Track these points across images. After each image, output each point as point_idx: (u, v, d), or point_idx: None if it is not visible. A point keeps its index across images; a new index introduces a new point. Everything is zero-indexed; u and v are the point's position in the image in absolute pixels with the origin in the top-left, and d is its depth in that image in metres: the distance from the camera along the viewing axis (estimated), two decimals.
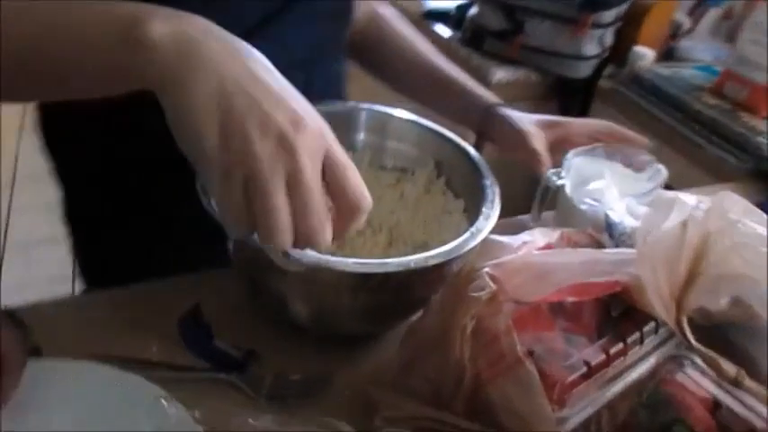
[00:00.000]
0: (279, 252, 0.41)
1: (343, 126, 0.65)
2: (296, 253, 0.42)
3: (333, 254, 0.62)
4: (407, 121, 0.67)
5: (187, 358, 0.52)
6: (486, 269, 0.45)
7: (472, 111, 0.73)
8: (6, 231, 1.96)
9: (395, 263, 0.45)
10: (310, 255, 0.44)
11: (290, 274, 0.45)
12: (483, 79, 1.41)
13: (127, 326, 0.54)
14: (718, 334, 0.49)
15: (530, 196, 1.86)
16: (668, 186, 0.95)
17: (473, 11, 1.48)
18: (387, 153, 0.68)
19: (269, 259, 0.43)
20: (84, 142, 0.63)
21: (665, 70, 1.37)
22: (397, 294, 0.49)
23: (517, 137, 0.67)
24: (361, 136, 0.68)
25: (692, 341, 0.41)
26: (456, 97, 0.74)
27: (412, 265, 0.45)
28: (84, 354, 0.48)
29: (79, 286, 0.73)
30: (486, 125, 0.71)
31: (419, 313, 0.52)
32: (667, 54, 1.52)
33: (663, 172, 0.66)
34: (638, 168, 0.68)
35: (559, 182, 0.65)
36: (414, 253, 0.61)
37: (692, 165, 1.23)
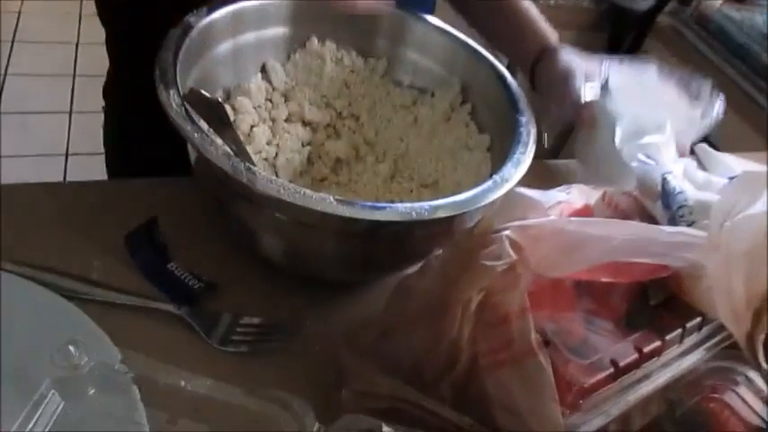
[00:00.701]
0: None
1: (358, 27, 0.54)
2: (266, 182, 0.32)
3: (323, 179, 0.52)
4: (435, 28, 0.54)
5: (132, 280, 0.43)
6: (507, 232, 0.35)
7: (524, 49, 0.60)
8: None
9: (389, 210, 0.34)
10: (282, 183, 0.34)
11: (262, 205, 0.35)
12: None
13: (72, 231, 0.45)
14: None
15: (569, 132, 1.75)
16: (715, 148, 0.83)
17: None
18: (405, 66, 0.56)
19: (236, 182, 0.34)
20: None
21: (736, 13, 1.21)
22: (390, 245, 0.40)
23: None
24: (379, 42, 0.56)
25: (765, 364, 0.31)
26: (517, 28, 0.61)
27: (413, 215, 0.34)
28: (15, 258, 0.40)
29: None
30: (535, 70, 0.59)
31: (415, 267, 0.43)
32: None
33: (717, 108, 0.53)
34: (693, 96, 0.55)
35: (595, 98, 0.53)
36: (419, 191, 0.52)
37: (746, 125, 1.09)
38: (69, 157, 1.76)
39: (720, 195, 0.36)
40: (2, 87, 1.89)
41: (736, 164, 0.81)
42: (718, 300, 0.32)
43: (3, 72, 1.94)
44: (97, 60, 2.24)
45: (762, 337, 0.31)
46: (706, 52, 1.18)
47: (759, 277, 0.31)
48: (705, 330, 0.42)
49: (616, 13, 1.29)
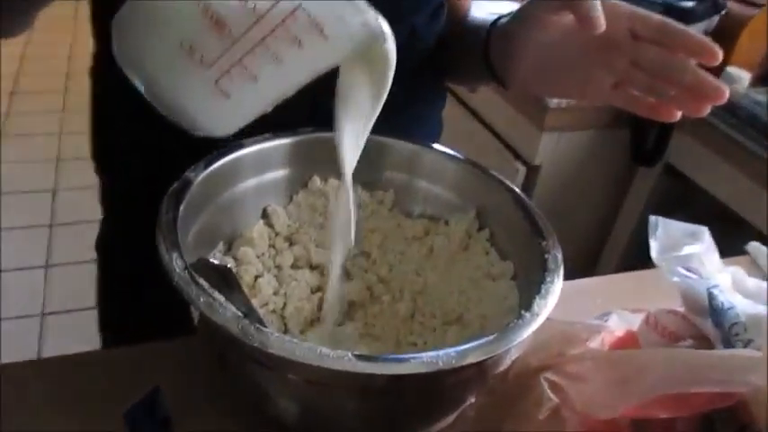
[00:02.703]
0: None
1: (362, 162, 0.59)
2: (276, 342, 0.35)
3: (339, 324, 0.55)
4: (443, 155, 0.60)
5: None
6: (546, 374, 0.37)
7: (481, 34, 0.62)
8: None
9: (413, 362, 0.36)
10: (297, 344, 0.36)
11: (274, 367, 0.37)
12: (539, 102, 1.35)
13: (62, 413, 0.48)
14: None
15: (589, 248, 1.77)
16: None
17: None
18: (414, 195, 0.61)
19: (247, 345, 0.36)
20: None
21: (764, 96, 1.28)
22: (417, 399, 0.41)
23: None
24: (385, 174, 0.61)
25: None
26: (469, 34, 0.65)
27: (440, 364, 0.36)
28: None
29: None
30: (504, 30, 0.60)
31: (449, 420, 0.44)
32: (766, 78, 1.43)
33: None
34: None
35: None
36: (443, 330, 0.54)
37: None
38: (45, 318, 1.80)
39: None
40: None
41: None
42: None
43: None
44: (76, 208, 2.32)
45: None
46: (740, 140, 1.24)
47: None
48: None
49: None
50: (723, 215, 1.29)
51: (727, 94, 0.49)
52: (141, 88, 0.40)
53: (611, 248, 1.61)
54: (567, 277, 0.67)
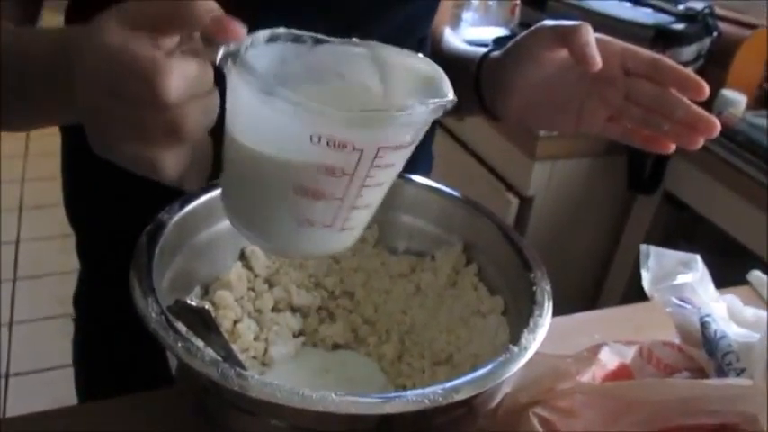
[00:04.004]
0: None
1: None
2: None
3: (325, 371, 0.56)
4: (426, 187, 0.62)
5: None
6: (535, 409, 0.39)
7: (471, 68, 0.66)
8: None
9: (398, 401, 0.38)
10: (278, 386, 0.38)
11: (256, 412, 0.39)
12: (528, 131, 1.38)
13: None
14: None
15: (589, 282, 1.80)
16: None
17: None
18: (398, 231, 0.63)
19: (227, 390, 0.38)
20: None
21: (762, 120, 1.32)
22: None
23: (555, 35, 0.56)
24: None
25: None
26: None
27: (426, 402, 0.38)
28: None
29: None
30: (497, 64, 0.63)
31: None
32: (763, 99, 1.48)
33: None
34: None
35: None
36: (433, 371, 0.56)
37: None
38: (10, 379, 1.79)
39: (761, 335, 0.40)
40: None
41: None
42: None
43: None
44: (41, 259, 2.32)
45: None
46: (739, 165, 1.28)
47: None
48: None
49: None
50: (728, 243, 1.32)
51: (719, 128, 0.53)
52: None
53: (612, 282, 1.64)
54: (567, 312, 0.70)
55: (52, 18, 0.65)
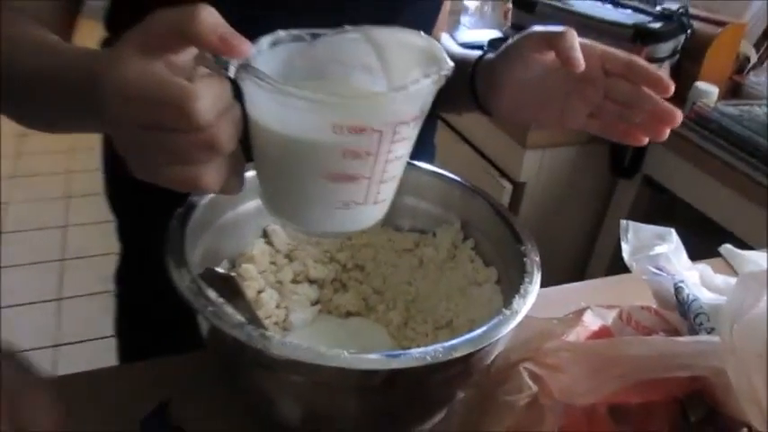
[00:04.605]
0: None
1: None
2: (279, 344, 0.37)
3: (339, 335, 0.57)
4: (428, 172, 0.62)
5: None
6: (525, 365, 0.39)
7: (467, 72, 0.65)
8: None
9: (404, 357, 0.39)
10: (297, 345, 0.38)
11: (277, 369, 0.40)
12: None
13: (87, 422, 0.49)
14: None
15: (576, 258, 1.80)
16: (748, 246, 0.88)
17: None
18: (403, 211, 0.63)
19: (252, 348, 0.38)
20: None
21: (733, 108, 1.32)
22: (410, 394, 0.43)
23: (543, 39, 0.56)
24: None
25: None
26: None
27: (427, 359, 0.38)
28: None
29: None
30: (491, 65, 0.63)
31: (440, 415, 0.46)
32: (734, 90, 1.47)
33: None
34: None
35: None
36: (435, 334, 0.56)
37: None
38: (59, 348, 1.81)
39: (727, 298, 0.40)
40: None
41: (764, 260, 0.86)
42: (744, 405, 0.35)
43: None
44: (85, 242, 2.34)
45: None
46: (712, 150, 1.27)
47: None
48: None
49: None
50: (702, 221, 1.31)
51: (680, 118, 0.54)
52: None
53: (597, 257, 1.64)
54: (556, 283, 0.70)
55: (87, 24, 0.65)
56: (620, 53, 0.54)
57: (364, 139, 0.37)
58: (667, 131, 0.55)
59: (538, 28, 0.57)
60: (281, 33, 0.40)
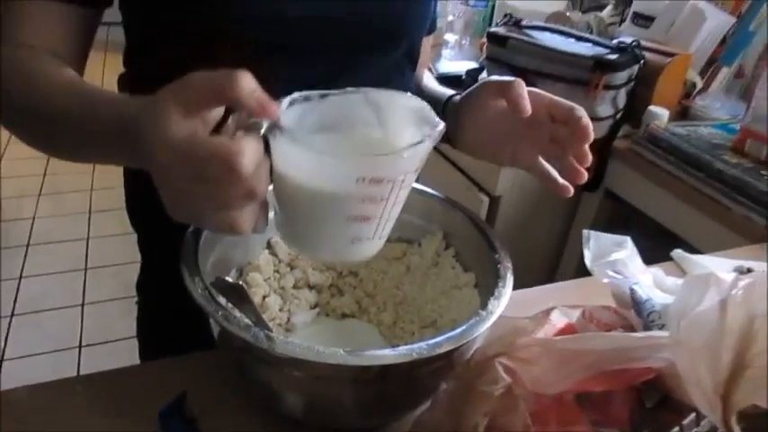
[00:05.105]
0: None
1: None
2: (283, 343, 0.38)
3: (336, 335, 0.57)
4: (413, 190, 0.62)
5: None
6: (500, 359, 0.40)
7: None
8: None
9: (392, 354, 0.39)
10: (298, 344, 0.39)
11: (281, 366, 0.40)
12: None
13: (109, 416, 0.49)
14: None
15: (547, 263, 1.80)
16: (696, 251, 0.89)
17: (483, 75, 1.48)
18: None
19: (258, 348, 0.39)
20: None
21: (681, 129, 1.34)
22: (399, 386, 0.44)
23: (497, 88, 0.57)
24: None
25: None
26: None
27: (414, 355, 0.39)
28: None
29: None
30: (456, 106, 0.64)
31: (426, 404, 0.46)
32: (683, 113, 1.49)
33: None
34: None
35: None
36: (421, 332, 0.57)
37: (718, 225, 1.17)
38: (82, 349, 1.80)
39: (674, 299, 0.41)
40: (17, 290, 1.99)
41: (710, 263, 0.87)
42: (691, 391, 0.36)
43: (18, 275, 2.05)
44: (106, 253, 2.33)
45: (734, 419, 0.35)
46: (665, 166, 1.29)
47: (719, 367, 0.35)
48: (705, 424, 0.45)
49: None
50: (657, 229, 1.33)
51: (584, 178, 0.56)
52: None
53: (566, 262, 1.65)
54: (530, 285, 0.71)
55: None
56: (565, 102, 0.55)
57: (380, 188, 0.39)
58: (584, 175, 0.56)
59: (493, 78, 0.58)
60: (296, 95, 0.41)
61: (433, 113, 0.42)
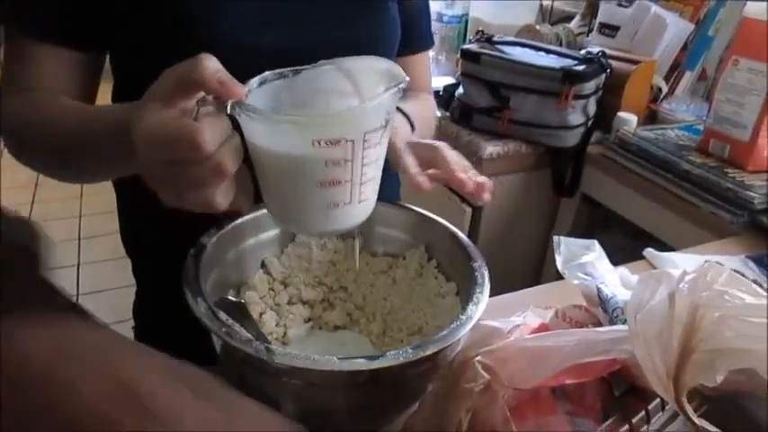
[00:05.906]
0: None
1: None
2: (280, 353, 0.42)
3: (329, 346, 0.61)
4: (393, 206, 0.67)
5: None
6: (479, 358, 0.44)
7: None
8: None
9: (381, 359, 0.43)
10: (295, 354, 0.43)
11: (280, 375, 0.44)
12: (474, 154, 1.43)
13: None
14: (731, 402, 0.47)
15: (530, 267, 1.84)
16: (670, 248, 0.94)
17: (460, 90, 1.53)
18: (377, 239, 0.67)
19: (258, 360, 0.42)
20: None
21: (649, 133, 1.39)
22: (389, 389, 0.47)
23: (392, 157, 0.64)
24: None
25: (696, 421, 0.38)
26: None
27: (401, 359, 0.43)
28: None
29: None
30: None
31: (415, 406, 0.50)
32: (651, 117, 1.55)
33: None
34: None
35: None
36: (408, 339, 0.61)
37: (688, 223, 1.22)
38: None
39: (631, 294, 0.46)
40: None
41: (680, 260, 0.92)
42: (648, 378, 0.40)
43: None
44: (98, 279, 2.31)
45: (685, 399, 0.39)
46: (635, 169, 1.34)
47: (670, 353, 0.40)
48: (669, 409, 0.49)
49: (552, 152, 1.47)
50: (632, 230, 1.38)
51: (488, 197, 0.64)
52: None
53: (548, 266, 1.69)
54: (516, 289, 0.74)
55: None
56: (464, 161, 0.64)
57: (340, 150, 0.40)
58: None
59: (420, 141, 0.66)
60: (268, 73, 0.43)
61: (399, 70, 0.43)
